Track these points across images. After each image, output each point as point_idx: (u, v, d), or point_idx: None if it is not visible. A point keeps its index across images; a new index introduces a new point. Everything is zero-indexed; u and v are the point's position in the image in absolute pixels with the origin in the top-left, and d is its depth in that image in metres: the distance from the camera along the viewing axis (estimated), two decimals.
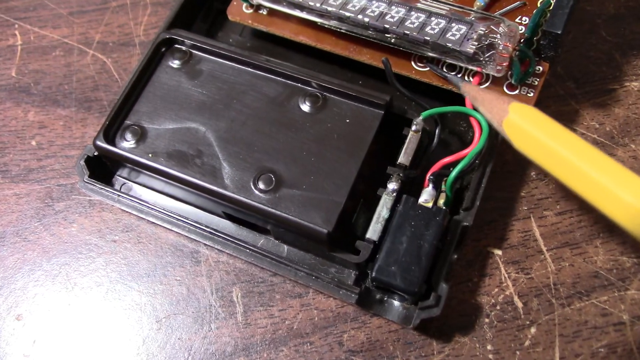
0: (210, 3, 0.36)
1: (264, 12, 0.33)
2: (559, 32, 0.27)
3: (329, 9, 0.30)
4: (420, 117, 0.28)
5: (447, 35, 0.28)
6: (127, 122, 0.30)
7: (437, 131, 0.29)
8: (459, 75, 0.29)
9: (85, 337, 0.29)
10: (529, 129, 0.23)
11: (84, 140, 0.34)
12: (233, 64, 0.31)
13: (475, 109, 0.28)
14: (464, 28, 0.28)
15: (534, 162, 0.24)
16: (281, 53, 0.34)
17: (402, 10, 0.29)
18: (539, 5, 0.29)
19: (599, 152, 0.22)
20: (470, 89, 0.27)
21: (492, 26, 0.27)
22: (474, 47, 0.27)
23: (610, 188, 0.21)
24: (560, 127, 0.23)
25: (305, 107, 0.29)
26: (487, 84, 0.29)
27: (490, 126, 0.28)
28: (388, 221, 0.27)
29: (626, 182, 0.21)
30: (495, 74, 0.28)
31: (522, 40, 0.28)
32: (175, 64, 0.31)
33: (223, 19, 0.35)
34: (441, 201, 0.28)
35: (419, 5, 0.29)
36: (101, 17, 0.38)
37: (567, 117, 0.32)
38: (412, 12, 0.29)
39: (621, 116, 0.32)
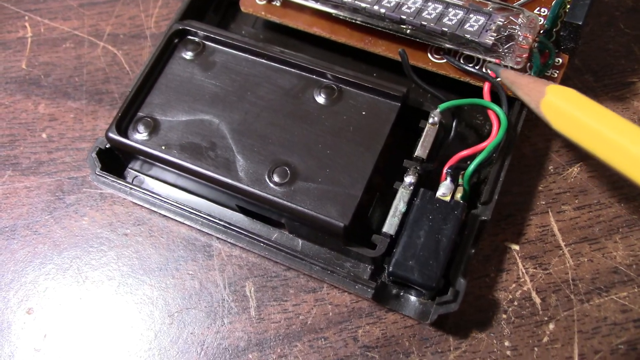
0: None
1: (277, 3, 0.32)
2: (580, 23, 0.27)
3: None
4: (438, 110, 0.28)
5: (465, 26, 0.27)
6: (140, 114, 0.29)
7: (454, 124, 0.28)
8: (477, 68, 0.29)
9: (97, 331, 0.29)
10: (567, 108, 0.23)
11: (94, 132, 0.34)
12: (247, 55, 0.30)
13: (513, 95, 0.28)
14: (482, 19, 0.27)
15: (574, 143, 0.24)
16: (294, 45, 0.33)
17: (419, 1, 0.28)
18: None
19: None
20: (509, 74, 0.27)
21: (511, 17, 0.27)
22: (493, 38, 0.27)
23: None
24: (599, 106, 0.23)
25: (321, 99, 0.29)
26: None
27: (508, 119, 0.27)
28: (405, 215, 0.27)
29: None
30: (515, 66, 0.27)
31: (541, 32, 0.28)
32: (188, 55, 0.30)
33: (235, 11, 0.35)
34: (458, 195, 0.27)
35: None
36: (112, 9, 0.38)
37: None
38: (429, 3, 0.28)
39: None
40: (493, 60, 0.28)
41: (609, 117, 0.22)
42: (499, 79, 0.28)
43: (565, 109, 0.23)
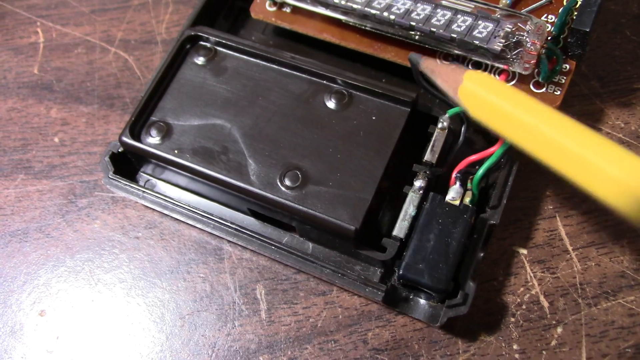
0: (232, 1, 0.36)
1: (288, 9, 0.33)
2: (587, 30, 0.27)
3: (354, 6, 0.30)
4: (447, 115, 0.28)
5: (474, 33, 0.28)
6: (153, 118, 0.30)
7: (463, 129, 0.29)
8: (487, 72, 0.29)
9: (109, 333, 0.29)
10: (482, 93, 0.23)
11: (106, 137, 0.34)
12: (258, 60, 0.31)
13: (432, 86, 0.28)
14: (490, 25, 0.28)
15: (490, 129, 0.23)
16: (304, 51, 0.34)
17: (428, 8, 0.29)
18: (565, 3, 0.29)
19: (557, 114, 0.21)
20: (429, 64, 0.27)
21: (519, 24, 0.27)
22: (501, 44, 0.27)
23: (574, 150, 0.20)
24: (513, 89, 0.23)
25: (331, 104, 0.29)
26: (513, 82, 0.29)
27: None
28: (414, 219, 0.27)
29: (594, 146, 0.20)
30: (523, 72, 0.28)
31: (549, 38, 0.28)
32: (200, 60, 0.31)
33: (245, 17, 0.35)
34: (467, 199, 0.27)
35: (444, 2, 0.29)
36: (123, 15, 0.38)
37: (592, 117, 0.32)
38: (438, 10, 0.29)
39: None
40: (501, 66, 0.28)
41: (523, 100, 0.22)
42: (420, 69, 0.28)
43: (480, 94, 0.23)
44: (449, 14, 0.28)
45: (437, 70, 0.26)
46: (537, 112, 0.21)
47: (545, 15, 0.29)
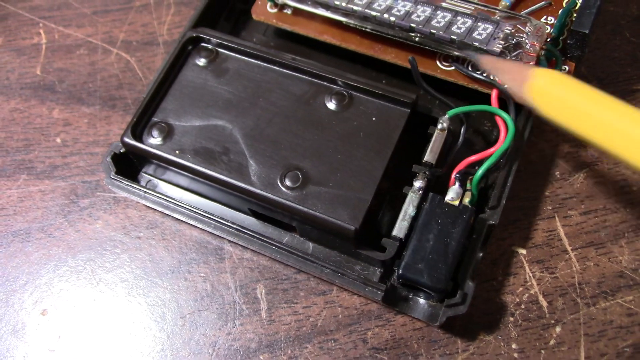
0: (233, 3, 0.36)
1: (289, 11, 0.33)
2: (587, 32, 0.27)
3: (355, 8, 0.30)
4: (446, 116, 0.28)
5: (474, 34, 0.28)
6: (154, 119, 0.30)
7: (462, 130, 0.29)
8: (485, 75, 0.29)
9: (110, 332, 0.29)
10: (556, 92, 0.22)
11: (108, 137, 0.34)
12: (259, 62, 0.31)
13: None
14: (490, 27, 0.28)
15: (563, 127, 0.22)
16: (304, 52, 0.34)
17: (428, 10, 0.29)
18: (564, 5, 0.30)
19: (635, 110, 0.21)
20: (489, 60, 0.26)
21: (518, 25, 0.28)
22: (501, 46, 0.27)
23: None
24: (589, 88, 0.22)
25: (332, 105, 0.29)
26: None
27: (515, 126, 0.28)
28: (414, 219, 0.27)
29: None
30: None
31: (548, 40, 0.28)
32: (202, 62, 0.31)
33: (246, 19, 0.35)
34: (466, 199, 0.28)
35: (444, 4, 0.29)
36: (125, 16, 0.38)
37: None
38: (438, 12, 0.29)
39: None
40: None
41: (601, 98, 0.21)
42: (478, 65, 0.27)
43: (554, 92, 0.22)
44: (449, 16, 0.29)
45: (500, 67, 0.25)
46: (617, 110, 0.21)
47: (545, 17, 0.30)
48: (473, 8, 0.29)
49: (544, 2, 0.30)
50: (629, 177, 0.30)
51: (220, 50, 0.31)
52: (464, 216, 0.27)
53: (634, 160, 0.20)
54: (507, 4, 0.30)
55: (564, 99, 0.22)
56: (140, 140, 0.29)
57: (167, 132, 0.29)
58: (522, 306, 0.28)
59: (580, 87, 0.22)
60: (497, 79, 0.26)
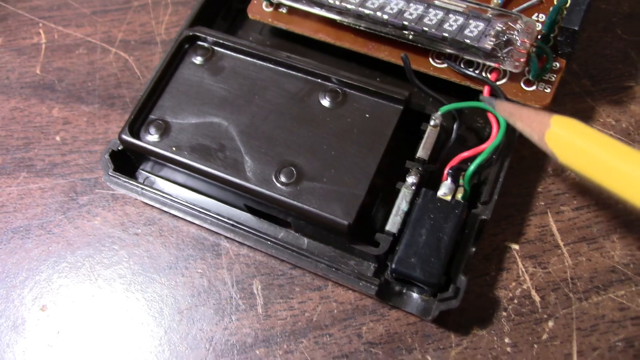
0: (230, 2, 0.36)
1: (284, 10, 0.33)
2: (576, 28, 0.27)
3: (348, 6, 0.30)
4: (439, 112, 0.29)
5: (465, 32, 0.28)
6: (152, 116, 0.30)
7: (455, 126, 0.29)
8: (477, 72, 0.30)
9: (108, 328, 0.30)
10: (575, 140, 0.22)
11: (107, 135, 0.35)
12: (254, 60, 0.31)
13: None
14: (481, 25, 0.28)
15: (581, 175, 0.22)
16: (300, 51, 0.34)
17: (421, 8, 0.29)
18: (555, 2, 0.30)
19: None
20: (506, 107, 0.26)
21: (509, 23, 0.28)
22: (492, 43, 0.28)
23: None
24: (607, 137, 0.22)
25: (326, 102, 0.30)
26: (504, 80, 0.29)
27: (507, 122, 0.28)
28: (407, 214, 0.27)
29: None
30: (513, 70, 0.28)
31: (539, 37, 0.29)
32: (198, 60, 0.32)
33: (243, 18, 0.36)
34: (459, 195, 0.28)
35: (436, 2, 0.30)
36: (123, 16, 0.39)
37: (583, 114, 0.32)
38: (430, 9, 0.29)
39: (637, 113, 0.32)
40: (492, 64, 0.29)
41: (620, 148, 0.21)
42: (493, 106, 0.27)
43: (573, 140, 0.22)
44: (441, 14, 0.29)
45: (517, 114, 0.25)
46: (631, 158, 0.21)
47: (536, 14, 0.30)
48: (465, 6, 0.29)
49: (534, 0, 0.30)
50: None
51: (216, 48, 0.32)
52: (456, 211, 0.27)
53: None
54: (499, 1, 0.30)
55: (582, 147, 0.22)
56: (138, 138, 0.30)
57: (164, 130, 0.30)
58: (515, 301, 0.28)
59: (597, 135, 0.22)
60: (515, 126, 0.26)
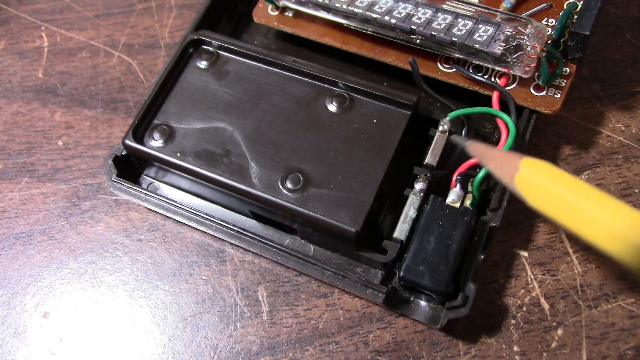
0: (234, 6, 0.36)
1: (290, 14, 0.33)
2: (587, 33, 0.27)
3: (356, 10, 0.30)
4: (447, 118, 0.28)
5: (475, 37, 0.28)
6: (156, 121, 0.30)
7: (463, 132, 0.29)
8: (486, 77, 0.29)
9: (112, 335, 0.29)
10: (544, 183, 0.22)
11: (110, 140, 0.34)
12: (260, 64, 0.31)
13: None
14: (491, 29, 0.28)
15: (550, 219, 0.22)
16: (305, 55, 0.34)
17: (429, 12, 0.29)
18: (565, 7, 0.30)
19: (619, 204, 0.20)
20: (477, 147, 0.26)
21: (519, 27, 0.28)
22: (502, 48, 0.27)
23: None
24: (577, 180, 0.22)
25: (332, 107, 0.29)
26: (513, 85, 0.29)
27: (517, 128, 0.28)
28: (415, 221, 0.27)
29: None
30: (523, 75, 0.28)
31: (549, 42, 0.28)
32: (203, 64, 0.31)
33: (248, 21, 0.35)
34: (468, 202, 0.28)
35: (445, 6, 0.29)
36: (127, 19, 0.38)
37: (592, 120, 0.32)
38: (439, 14, 0.29)
39: None
40: (501, 69, 0.28)
41: (591, 192, 0.21)
42: (465, 147, 0.26)
43: (542, 184, 0.22)
44: (449, 18, 0.29)
45: (488, 155, 0.25)
46: (604, 204, 0.20)
47: (546, 18, 0.30)
48: (474, 10, 0.29)
49: (544, 4, 0.30)
50: (630, 179, 0.30)
51: (221, 52, 0.32)
52: (465, 218, 0.27)
53: (618, 255, 0.20)
54: (508, 6, 0.30)
55: (551, 190, 0.21)
56: (142, 143, 0.29)
57: (169, 135, 0.29)
58: (524, 309, 0.28)
59: (567, 178, 0.22)
60: (487, 168, 0.25)
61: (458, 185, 0.28)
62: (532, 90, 0.29)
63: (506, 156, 0.24)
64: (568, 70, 0.29)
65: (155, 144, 0.29)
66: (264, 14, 0.34)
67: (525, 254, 0.29)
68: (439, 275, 0.26)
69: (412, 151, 0.29)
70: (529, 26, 0.27)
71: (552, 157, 0.31)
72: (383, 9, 0.29)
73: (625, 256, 0.20)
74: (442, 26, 0.28)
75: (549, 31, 0.29)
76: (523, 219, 0.30)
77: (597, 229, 0.20)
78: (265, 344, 0.29)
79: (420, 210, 0.27)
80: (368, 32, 0.31)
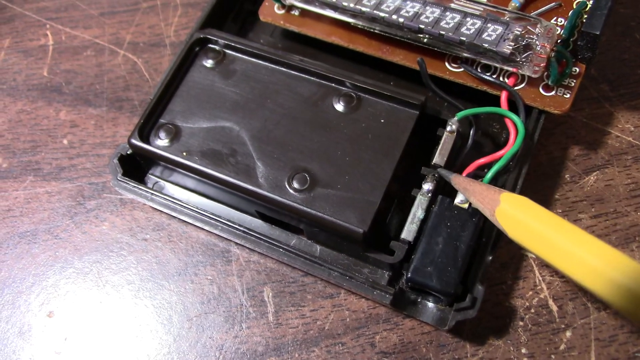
0: (240, 4, 0.36)
1: (296, 12, 0.33)
2: (597, 33, 0.27)
3: (363, 9, 0.30)
4: (455, 118, 0.28)
5: (483, 36, 0.28)
6: (162, 120, 0.30)
7: (471, 132, 0.29)
8: (495, 76, 0.29)
9: (116, 335, 0.29)
10: (521, 217, 0.23)
11: (115, 139, 0.34)
12: (267, 63, 0.31)
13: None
14: (500, 28, 0.28)
15: (527, 250, 0.23)
16: (312, 54, 0.34)
17: (437, 11, 0.29)
18: (574, 6, 0.29)
19: (594, 240, 0.21)
20: (461, 181, 0.26)
21: (528, 27, 0.27)
22: (511, 47, 0.27)
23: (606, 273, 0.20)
24: (553, 215, 0.23)
25: (340, 106, 0.29)
26: (522, 85, 0.29)
27: (525, 128, 0.27)
28: (423, 222, 0.27)
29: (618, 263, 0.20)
30: (532, 75, 0.28)
31: (559, 41, 0.28)
32: (209, 63, 0.31)
33: (254, 20, 0.35)
34: None
35: (453, 5, 0.29)
36: (132, 17, 0.38)
37: (601, 120, 0.31)
38: (447, 13, 0.29)
39: None
40: (510, 69, 0.28)
41: (565, 227, 0.22)
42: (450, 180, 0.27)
43: (520, 217, 0.23)
44: (458, 17, 0.28)
45: (471, 189, 0.26)
46: (579, 239, 0.21)
47: (555, 18, 0.29)
48: (482, 9, 0.29)
49: (554, 4, 0.30)
50: None
51: (227, 51, 0.31)
52: (473, 219, 0.26)
53: (593, 288, 0.21)
54: (517, 5, 0.30)
55: (529, 225, 0.23)
56: (148, 142, 0.29)
57: (174, 134, 0.29)
58: (532, 310, 0.28)
59: (543, 213, 0.23)
60: (470, 201, 0.26)
61: None
62: (541, 90, 0.29)
63: (487, 190, 0.25)
64: (577, 70, 0.28)
65: (161, 143, 0.29)
66: (270, 13, 0.33)
67: (533, 255, 0.29)
68: (447, 277, 0.25)
69: (419, 151, 0.29)
70: (538, 25, 0.27)
71: (560, 157, 0.31)
72: (391, 8, 0.29)
73: (601, 291, 0.20)
74: (451, 25, 0.28)
75: (559, 31, 0.28)
76: None
77: (573, 264, 0.21)
78: (271, 344, 0.28)
79: (428, 211, 0.27)
80: (375, 31, 0.30)
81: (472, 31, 0.28)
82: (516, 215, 0.23)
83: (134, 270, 0.31)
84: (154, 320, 0.29)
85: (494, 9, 0.29)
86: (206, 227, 0.29)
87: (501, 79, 0.29)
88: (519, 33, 0.27)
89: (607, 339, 0.27)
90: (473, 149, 0.29)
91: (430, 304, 0.27)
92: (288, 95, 0.30)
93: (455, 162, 0.29)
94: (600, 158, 0.31)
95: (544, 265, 0.29)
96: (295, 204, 0.27)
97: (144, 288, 0.30)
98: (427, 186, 0.27)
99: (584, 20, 0.28)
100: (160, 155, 0.29)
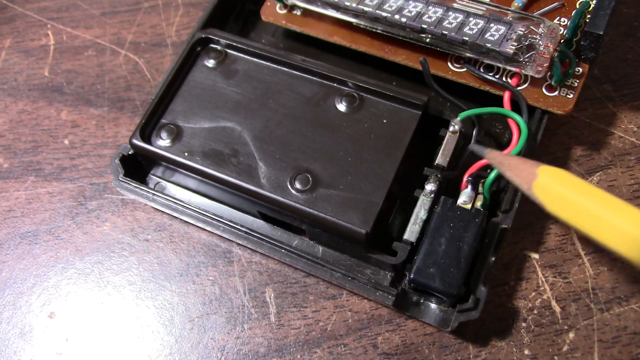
0: (242, 4, 0.36)
1: (298, 12, 0.33)
2: (601, 33, 0.27)
3: (365, 9, 0.29)
4: (458, 118, 0.28)
5: (486, 36, 0.28)
6: (163, 121, 0.30)
7: (474, 132, 0.29)
8: (497, 77, 0.29)
9: (118, 336, 0.29)
10: (561, 190, 0.22)
11: (116, 139, 0.34)
12: (269, 63, 0.31)
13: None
14: (503, 28, 0.28)
15: (567, 224, 0.23)
16: (313, 54, 0.33)
17: (440, 11, 0.29)
18: (577, 6, 0.29)
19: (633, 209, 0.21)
20: (496, 155, 0.26)
21: (531, 27, 0.27)
22: (514, 47, 0.27)
23: None
24: (593, 187, 0.22)
25: (342, 107, 0.29)
26: (525, 85, 0.29)
27: (528, 128, 0.27)
28: (425, 222, 0.27)
29: None
30: (535, 75, 0.28)
31: (562, 41, 0.28)
32: (211, 63, 0.31)
33: (255, 20, 0.35)
34: (479, 203, 0.27)
35: (455, 5, 0.29)
36: (133, 17, 0.38)
37: (604, 120, 0.31)
38: (450, 12, 0.29)
39: None
40: (513, 69, 0.28)
41: (607, 199, 0.21)
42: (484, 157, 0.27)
43: (559, 191, 0.22)
44: (460, 17, 0.28)
45: (507, 163, 0.25)
46: (621, 210, 0.21)
47: (558, 18, 0.29)
48: (485, 9, 0.28)
49: (557, 3, 0.29)
50: None
51: (229, 51, 0.31)
52: (476, 220, 0.26)
53: (631, 256, 0.21)
54: (520, 4, 0.29)
55: (569, 197, 0.22)
56: (149, 142, 0.29)
57: (176, 134, 0.29)
58: (535, 311, 0.28)
59: (583, 185, 0.22)
60: (505, 176, 0.26)
61: (469, 187, 0.27)
62: (544, 90, 0.29)
63: (524, 164, 0.24)
64: (581, 70, 0.28)
65: (162, 143, 0.29)
66: (272, 13, 0.33)
67: (536, 256, 0.29)
68: (450, 278, 0.25)
69: (422, 151, 0.29)
70: (541, 25, 0.27)
71: (563, 157, 0.31)
72: (393, 8, 0.29)
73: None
74: (453, 25, 0.28)
75: (562, 30, 0.28)
76: (534, 221, 0.30)
77: (613, 233, 0.21)
78: (272, 345, 0.28)
79: (430, 211, 0.27)
80: (377, 30, 0.30)
81: (474, 31, 0.28)
82: (556, 189, 0.22)
83: (135, 271, 0.31)
84: (155, 321, 0.29)
85: (497, 9, 0.28)
86: (208, 228, 0.29)
87: (504, 79, 0.29)
88: (521, 33, 0.27)
89: (610, 340, 0.27)
90: None
91: (433, 305, 0.27)
92: (290, 95, 0.30)
93: (458, 163, 0.28)
94: (603, 158, 0.31)
95: (547, 266, 0.29)
96: (297, 205, 0.27)
97: (146, 289, 0.30)
98: (429, 187, 0.27)
99: (587, 20, 0.28)
100: (162, 155, 0.29)
